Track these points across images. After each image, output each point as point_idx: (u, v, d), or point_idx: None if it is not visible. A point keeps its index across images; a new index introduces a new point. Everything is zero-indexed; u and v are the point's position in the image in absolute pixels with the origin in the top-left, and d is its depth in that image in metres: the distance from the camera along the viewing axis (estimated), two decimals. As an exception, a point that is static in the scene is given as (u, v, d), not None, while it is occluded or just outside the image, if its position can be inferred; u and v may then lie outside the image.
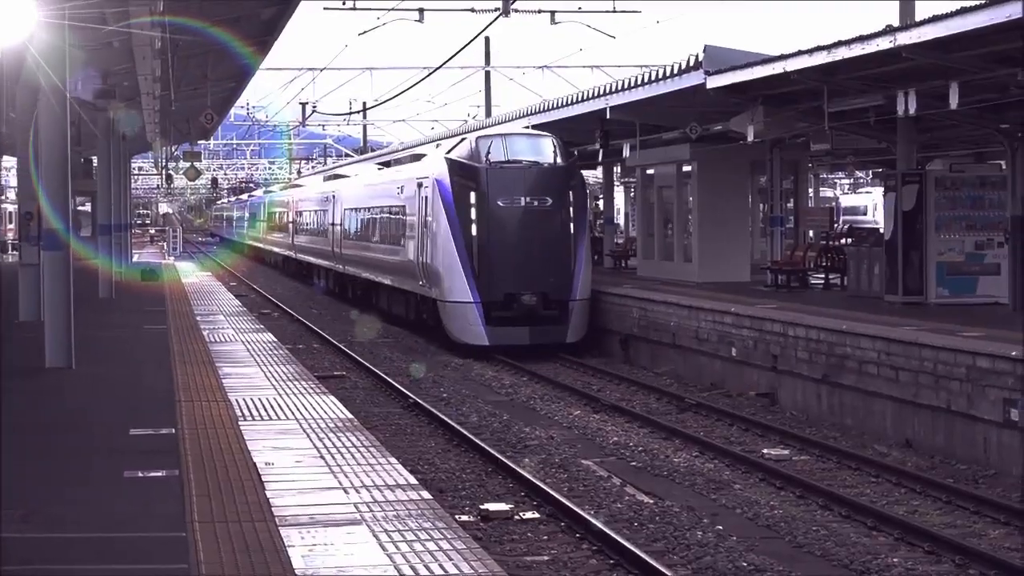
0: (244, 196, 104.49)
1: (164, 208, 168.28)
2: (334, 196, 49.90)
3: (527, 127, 36.61)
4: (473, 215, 31.21)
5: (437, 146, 37.99)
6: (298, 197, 63.31)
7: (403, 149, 53.96)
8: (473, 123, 55.07)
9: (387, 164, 44.74)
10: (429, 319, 33.34)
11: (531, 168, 31.67)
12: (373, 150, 78.60)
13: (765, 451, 19.18)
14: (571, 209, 31.65)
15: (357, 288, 45.14)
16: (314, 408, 16.22)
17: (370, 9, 38.64)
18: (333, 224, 49.26)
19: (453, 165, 32.01)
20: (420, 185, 33.48)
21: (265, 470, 12.24)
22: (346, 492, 11.38)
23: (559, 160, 31.99)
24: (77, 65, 23.18)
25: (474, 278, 30.98)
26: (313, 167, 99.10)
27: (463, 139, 33.78)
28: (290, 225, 64.42)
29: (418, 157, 38.11)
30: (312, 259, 56.36)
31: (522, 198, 31.30)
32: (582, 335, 31.30)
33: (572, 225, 31.52)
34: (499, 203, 31.17)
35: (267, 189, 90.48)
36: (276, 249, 72.14)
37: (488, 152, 31.77)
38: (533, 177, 31.48)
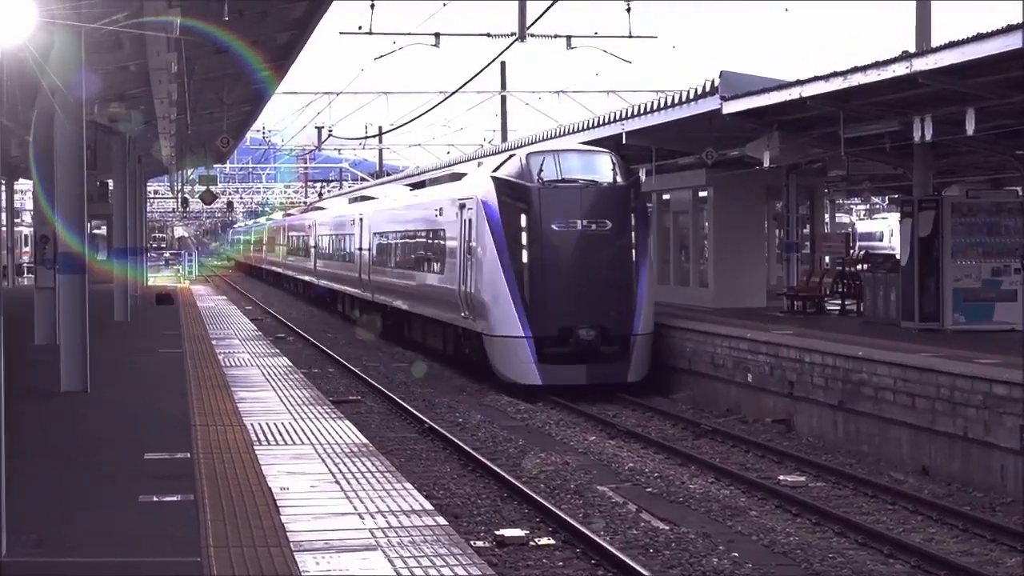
0: (261, 219, 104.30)
1: (180, 231, 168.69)
2: (361, 219, 46.83)
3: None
4: (524, 240, 28.35)
5: (479, 164, 35.29)
6: (320, 220, 60.61)
7: (437, 169, 51.26)
8: (489, 147, 54.96)
9: (419, 185, 42.27)
10: (472, 354, 30.30)
11: (588, 188, 28.72)
12: (389, 174, 78.62)
13: (781, 478, 19.12)
14: (633, 233, 28.73)
15: (387, 318, 41.99)
16: (329, 433, 16.20)
17: (386, 34, 38.62)
18: (360, 249, 46.37)
19: (501, 184, 29.17)
20: (463, 206, 30.78)
21: (280, 495, 12.23)
22: (361, 517, 11.36)
23: (619, 179, 29.04)
24: (93, 86, 23.24)
25: (525, 310, 28.09)
26: (329, 190, 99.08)
27: (511, 156, 30.93)
28: (311, 249, 61.88)
29: (457, 176, 35.38)
30: (335, 285, 53.45)
31: (579, 221, 28.43)
32: (644, 373, 28.37)
33: (634, 251, 28.65)
34: (553, 226, 28.29)
35: (286, 212, 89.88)
36: (295, 274, 69.96)
37: (540, 170, 28.79)
38: (591, 198, 28.56)
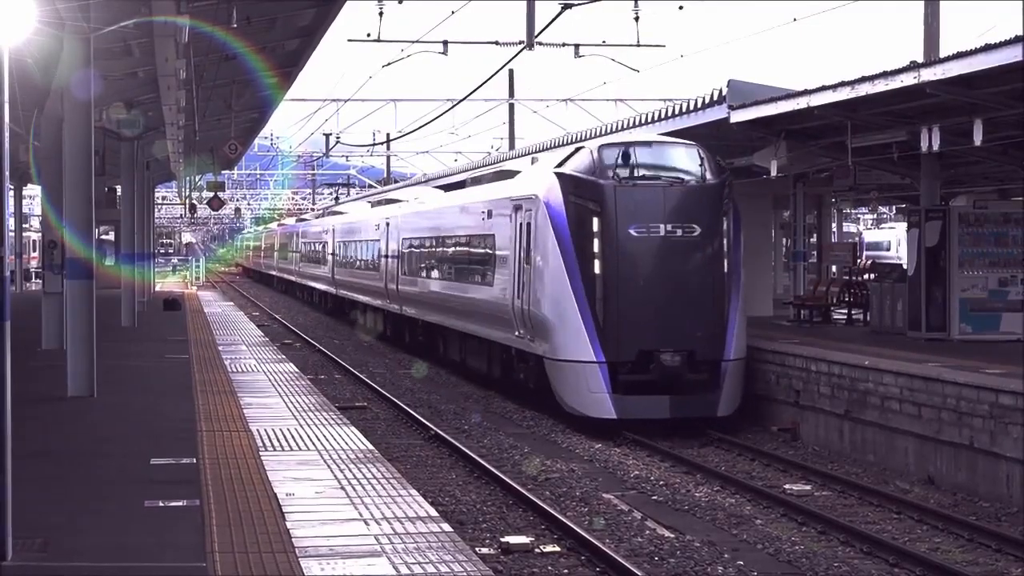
0: (273, 225, 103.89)
1: (187, 237, 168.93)
2: (387, 224, 42.41)
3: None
4: (596, 247, 24.10)
5: (533, 161, 31.80)
6: (340, 226, 56.60)
7: (476, 167, 46.98)
8: (495, 155, 54.73)
9: (454, 186, 38.96)
10: (528, 380, 26.46)
11: (673, 187, 24.37)
12: (396, 180, 78.63)
13: (787, 486, 19.12)
14: (724, 240, 24.56)
15: (418, 333, 38.28)
16: (335, 439, 16.21)
17: (394, 41, 38.60)
18: (387, 256, 41.96)
19: (567, 181, 24.76)
20: (518, 208, 26.57)
21: (286, 501, 12.24)
22: (366, 524, 11.37)
23: (709, 176, 24.66)
24: (101, 92, 23.30)
25: (597, 330, 23.84)
26: (346, 194, 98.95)
27: (579, 148, 26.43)
28: (330, 257, 58.02)
29: (508, 174, 30.83)
30: (358, 296, 49.58)
31: (662, 225, 24.08)
32: (736, 406, 24.35)
33: (726, 262, 24.55)
34: (631, 232, 23.99)
35: (300, 217, 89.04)
36: (311, 283, 66.44)
37: (616, 165, 24.52)
38: (676, 198, 24.29)
